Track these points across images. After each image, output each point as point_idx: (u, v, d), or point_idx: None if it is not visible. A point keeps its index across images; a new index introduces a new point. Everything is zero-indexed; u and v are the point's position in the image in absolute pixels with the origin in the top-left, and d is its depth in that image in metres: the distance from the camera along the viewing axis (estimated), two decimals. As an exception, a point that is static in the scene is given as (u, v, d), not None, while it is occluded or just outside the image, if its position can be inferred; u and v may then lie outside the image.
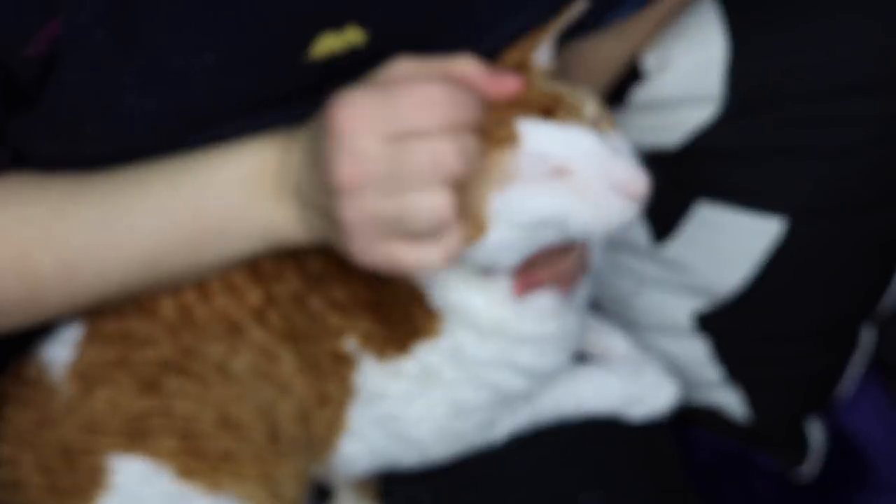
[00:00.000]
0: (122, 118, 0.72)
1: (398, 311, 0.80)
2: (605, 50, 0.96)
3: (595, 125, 0.70)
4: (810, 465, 1.16)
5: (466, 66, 0.67)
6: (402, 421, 0.83)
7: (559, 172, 0.68)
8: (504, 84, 0.68)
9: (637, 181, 0.68)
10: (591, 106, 0.71)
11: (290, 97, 0.75)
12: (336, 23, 0.73)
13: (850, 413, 1.22)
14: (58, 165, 0.76)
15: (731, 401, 1.12)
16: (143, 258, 0.75)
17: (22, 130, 0.74)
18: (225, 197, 0.72)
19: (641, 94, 1.01)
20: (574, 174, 0.67)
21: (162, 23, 0.69)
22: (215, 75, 0.71)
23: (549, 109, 0.69)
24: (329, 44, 0.73)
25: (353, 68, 0.72)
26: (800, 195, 0.99)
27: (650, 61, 1.00)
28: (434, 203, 0.64)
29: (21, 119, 0.73)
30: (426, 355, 0.80)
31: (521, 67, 0.73)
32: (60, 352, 0.80)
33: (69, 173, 0.76)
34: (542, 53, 0.75)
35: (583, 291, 0.86)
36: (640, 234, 1.07)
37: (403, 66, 0.66)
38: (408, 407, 0.82)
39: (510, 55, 0.74)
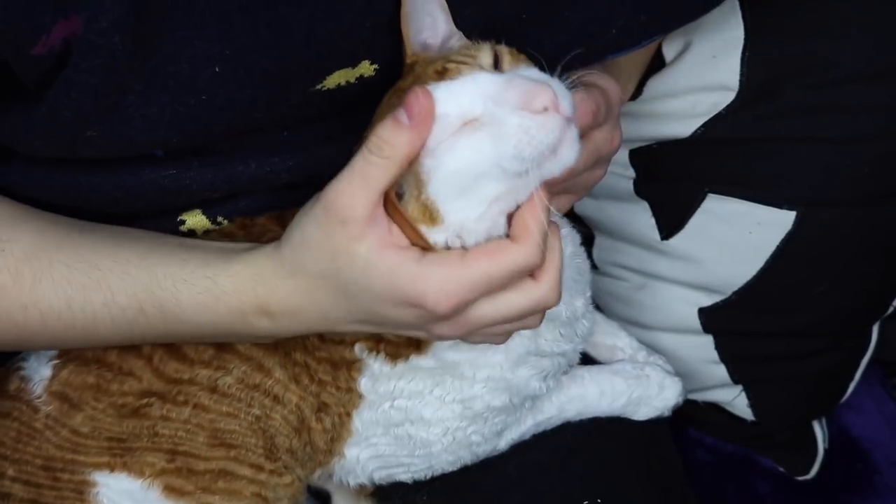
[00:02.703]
0: (122, 122, 0.70)
1: None
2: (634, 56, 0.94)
3: (496, 68, 0.69)
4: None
5: (387, 131, 0.66)
6: (413, 421, 0.81)
7: (469, 123, 0.66)
8: (417, 104, 0.66)
9: (536, 93, 0.65)
10: (486, 55, 0.70)
11: (295, 119, 0.75)
12: (351, 62, 0.73)
13: (854, 414, 1.21)
14: (51, 166, 0.75)
15: (735, 400, 1.11)
16: (105, 343, 0.75)
17: (18, 129, 0.72)
18: (197, 330, 0.73)
19: (659, 82, 1.00)
20: (480, 118, 0.66)
21: (177, 31, 0.67)
22: (221, 87, 0.70)
23: (440, 72, 0.69)
24: (341, 76, 0.73)
25: (360, 96, 0.73)
26: (810, 185, 0.98)
27: (670, 49, 0.99)
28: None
29: (18, 116, 0.71)
30: (444, 351, 0.78)
31: (410, 64, 0.72)
32: (40, 367, 0.78)
33: (40, 218, 0.75)
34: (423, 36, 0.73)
35: (587, 286, 0.84)
36: (649, 227, 1.05)
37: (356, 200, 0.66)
38: (420, 405, 0.80)
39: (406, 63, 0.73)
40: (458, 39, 0.73)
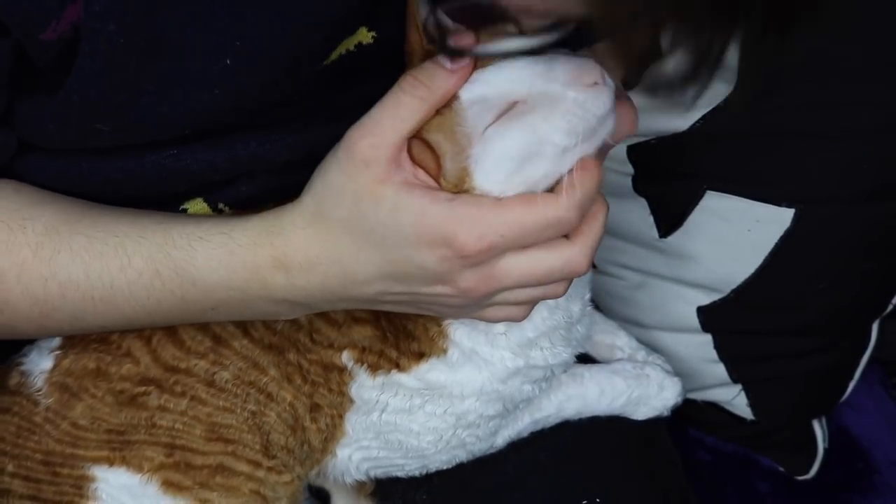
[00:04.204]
0: (135, 119, 0.71)
1: (399, 328, 0.77)
2: None
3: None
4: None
5: (425, 72, 0.65)
6: (403, 432, 0.81)
7: (513, 105, 0.66)
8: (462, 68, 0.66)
9: (586, 68, 0.65)
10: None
11: (299, 96, 0.74)
12: (350, 29, 0.73)
13: (854, 413, 1.20)
14: (52, 151, 0.75)
15: (735, 399, 1.10)
16: (124, 318, 0.74)
17: (32, 115, 0.72)
18: (212, 296, 0.72)
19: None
20: (527, 99, 0.66)
21: (186, 27, 0.67)
22: (232, 79, 0.70)
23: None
24: (342, 46, 0.74)
25: (360, 65, 0.73)
26: (809, 182, 0.98)
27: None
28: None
29: (33, 104, 0.72)
30: (429, 373, 0.78)
31: (429, 51, 0.70)
32: (41, 360, 0.78)
33: (62, 199, 0.75)
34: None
35: (586, 289, 0.84)
36: (647, 225, 1.05)
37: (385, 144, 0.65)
38: (408, 419, 0.80)
39: (415, 44, 0.71)
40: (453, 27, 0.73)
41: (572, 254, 0.67)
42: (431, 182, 0.66)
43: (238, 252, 0.69)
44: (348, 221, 0.66)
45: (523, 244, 0.66)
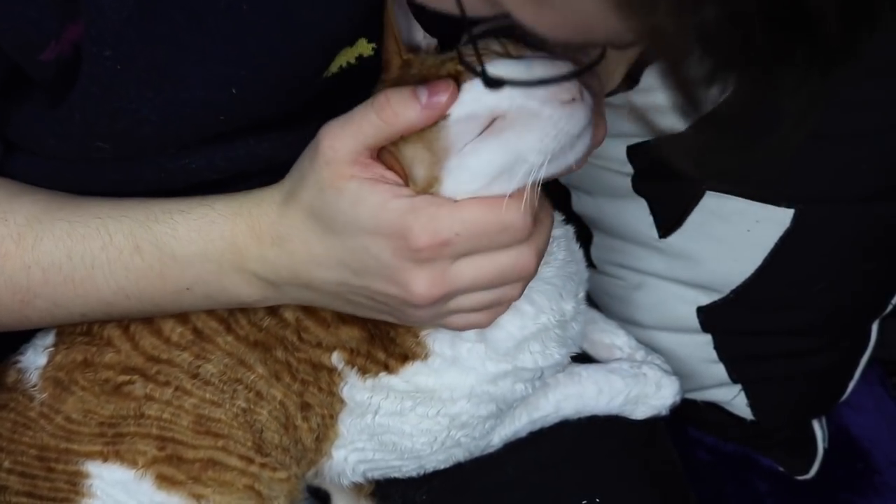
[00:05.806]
0: (137, 142, 0.72)
1: (383, 332, 0.77)
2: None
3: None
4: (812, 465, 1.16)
5: (399, 99, 0.66)
6: (397, 434, 0.81)
7: (496, 121, 0.66)
8: (442, 92, 0.66)
9: (563, 87, 0.64)
10: (495, 45, 0.69)
11: (300, 107, 0.75)
12: (350, 41, 0.74)
13: (854, 413, 1.20)
14: (60, 161, 0.75)
15: (734, 399, 1.11)
16: (103, 303, 0.75)
17: (32, 127, 0.73)
18: (190, 270, 0.73)
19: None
20: (507, 114, 0.65)
21: (189, 58, 0.68)
22: (236, 104, 0.71)
23: (454, 74, 0.67)
24: (342, 58, 0.74)
25: (361, 76, 0.74)
26: (809, 182, 0.97)
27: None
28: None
29: (32, 114, 0.72)
30: (416, 376, 0.78)
31: (406, 61, 0.71)
32: (36, 357, 0.79)
33: (43, 191, 0.75)
34: (417, 35, 0.73)
35: (581, 287, 0.84)
36: (647, 225, 1.05)
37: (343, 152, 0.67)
38: (401, 420, 0.80)
39: (393, 60, 0.72)
40: (424, 37, 0.73)
41: (521, 252, 0.68)
42: (399, 182, 0.67)
43: (218, 221, 0.71)
44: (313, 206, 0.68)
45: (476, 247, 0.67)
